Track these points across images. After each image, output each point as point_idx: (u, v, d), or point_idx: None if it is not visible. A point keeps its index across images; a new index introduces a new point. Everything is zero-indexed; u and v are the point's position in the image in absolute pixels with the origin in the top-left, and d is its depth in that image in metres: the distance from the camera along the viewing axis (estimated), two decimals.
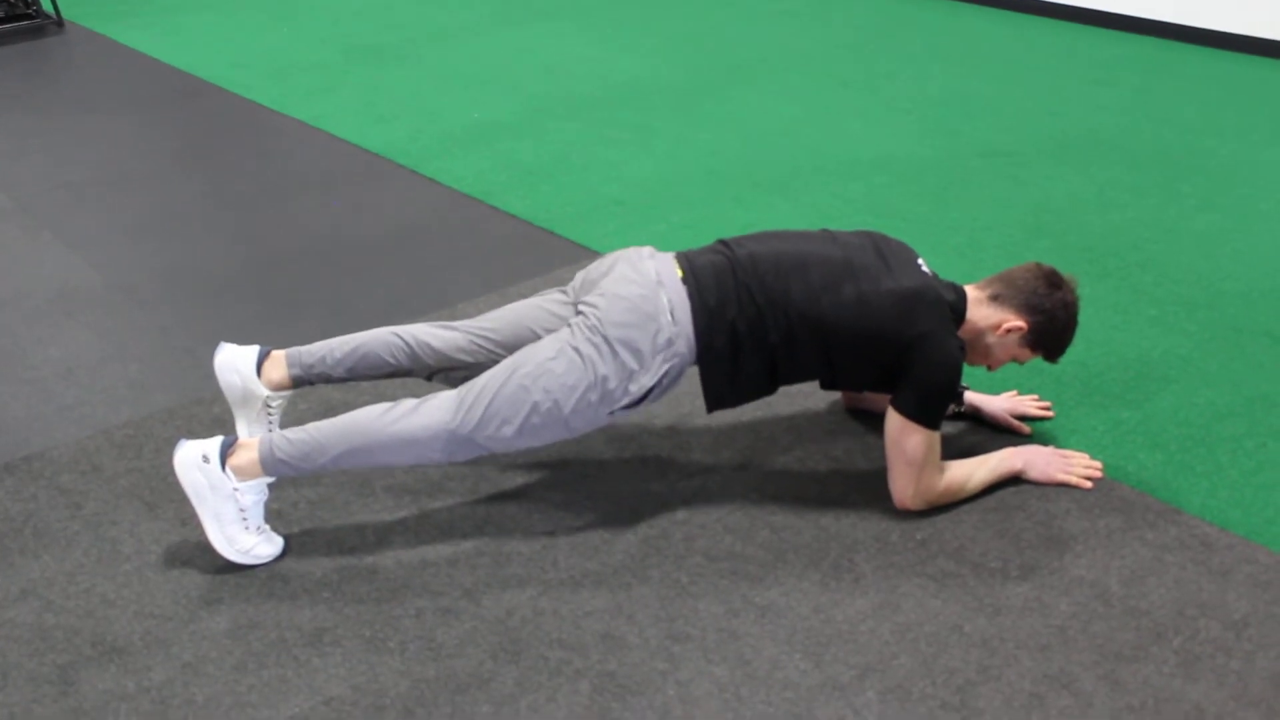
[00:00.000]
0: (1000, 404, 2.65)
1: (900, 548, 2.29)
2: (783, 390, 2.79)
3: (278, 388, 2.48)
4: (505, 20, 6.38)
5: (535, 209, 3.92)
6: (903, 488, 2.33)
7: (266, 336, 3.16)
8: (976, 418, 2.67)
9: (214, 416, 2.78)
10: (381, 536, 2.38)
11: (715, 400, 2.36)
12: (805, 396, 2.79)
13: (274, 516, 2.42)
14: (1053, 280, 2.39)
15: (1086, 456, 2.50)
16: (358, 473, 2.56)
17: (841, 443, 2.63)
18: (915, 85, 5.03)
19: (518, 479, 2.53)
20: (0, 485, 2.58)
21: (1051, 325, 2.38)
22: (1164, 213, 3.70)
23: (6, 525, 2.45)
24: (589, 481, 2.52)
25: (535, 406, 2.20)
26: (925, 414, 2.26)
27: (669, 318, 2.23)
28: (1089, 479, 2.45)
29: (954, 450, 2.53)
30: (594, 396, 2.22)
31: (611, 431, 2.68)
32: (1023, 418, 2.65)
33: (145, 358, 3.10)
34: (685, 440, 2.65)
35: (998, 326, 2.37)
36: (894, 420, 2.29)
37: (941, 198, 3.88)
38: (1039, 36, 5.72)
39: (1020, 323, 2.36)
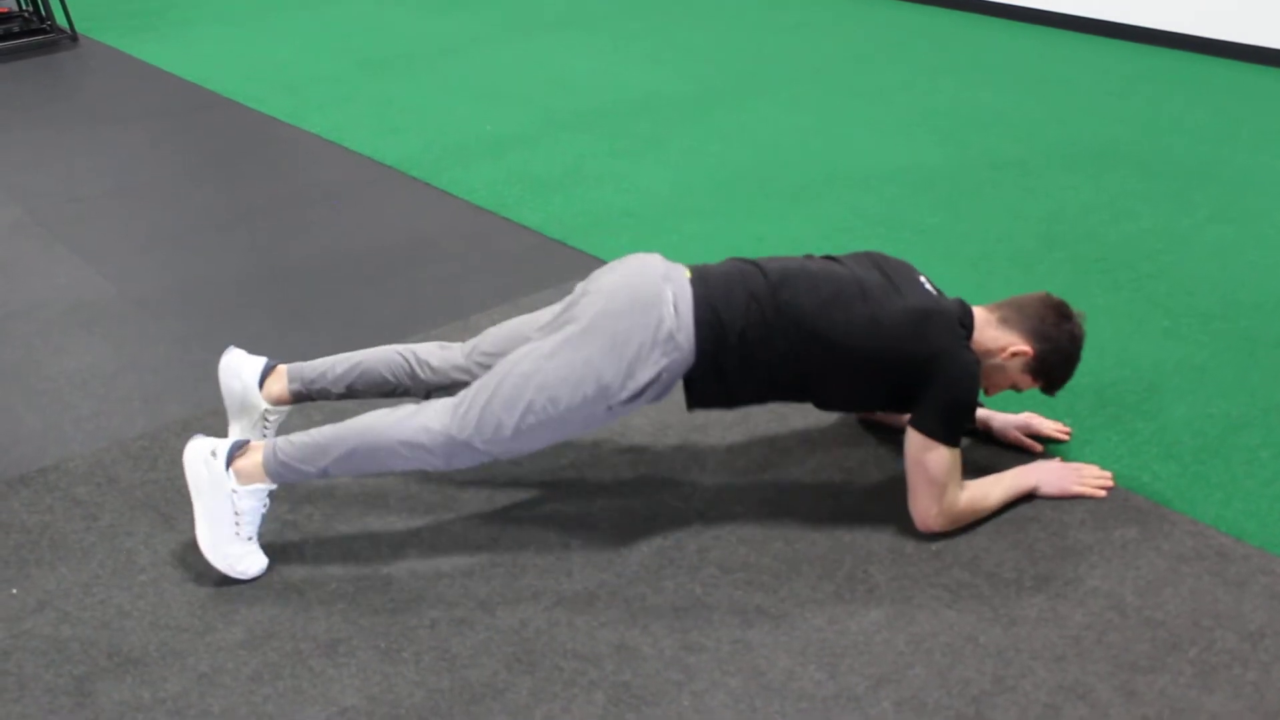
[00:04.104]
0: (1010, 420, 2.62)
1: (915, 558, 2.29)
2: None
3: (277, 402, 2.50)
4: (517, 32, 6.40)
5: (548, 220, 3.93)
6: (926, 508, 2.30)
7: (280, 347, 3.17)
8: (986, 435, 2.65)
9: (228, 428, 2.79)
10: (396, 548, 2.38)
11: (700, 400, 2.32)
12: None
13: (288, 527, 2.43)
14: (1063, 311, 2.38)
15: (1097, 468, 2.50)
16: (361, 477, 2.57)
17: (855, 453, 2.63)
18: (926, 96, 5.04)
19: (532, 490, 2.54)
20: (16, 497, 2.59)
21: (1056, 355, 2.37)
22: (1177, 223, 3.70)
23: (23, 537, 2.46)
24: (603, 493, 2.52)
25: (530, 405, 2.17)
26: (947, 431, 2.25)
27: (671, 310, 2.20)
28: (1102, 489, 2.45)
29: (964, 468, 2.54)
30: (589, 390, 2.18)
31: (624, 442, 2.68)
32: (1035, 437, 2.62)
33: (160, 369, 3.11)
34: (699, 452, 2.65)
35: (1004, 349, 2.35)
36: (915, 439, 2.27)
37: (954, 209, 3.88)
38: (1049, 47, 5.72)
39: (1027, 348, 2.34)
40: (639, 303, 2.20)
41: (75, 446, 2.77)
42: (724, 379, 2.28)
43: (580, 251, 3.68)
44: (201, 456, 2.23)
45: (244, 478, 2.23)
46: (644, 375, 2.19)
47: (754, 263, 2.34)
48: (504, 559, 2.34)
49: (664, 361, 2.20)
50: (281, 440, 2.26)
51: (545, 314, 2.42)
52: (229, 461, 2.22)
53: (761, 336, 2.24)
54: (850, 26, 6.25)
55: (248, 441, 2.27)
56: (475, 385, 2.23)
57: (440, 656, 2.10)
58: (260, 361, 2.51)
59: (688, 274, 2.28)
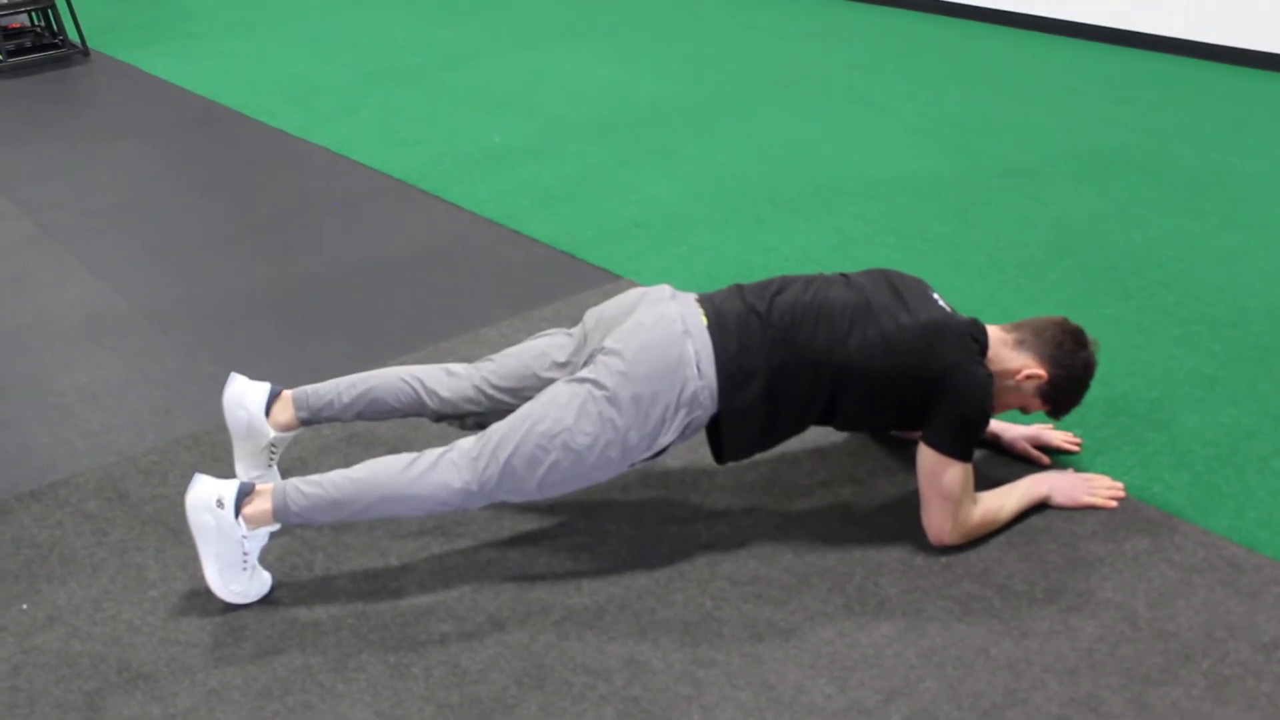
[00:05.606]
0: (1019, 431, 2.62)
1: (925, 571, 2.28)
2: None
3: (284, 429, 2.49)
4: (524, 43, 6.41)
5: (556, 232, 3.93)
6: (940, 523, 2.30)
7: (289, 360, 3.18)
8: (995, 446, 2.64)
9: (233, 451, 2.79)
10: (405, 562, 2.38)
11: (734, 454, 2.34)
12: None
13: (297, 541, 2.43)
14: (1079, 339, 2.38)
15: (1108, 479, 2.49)
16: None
17: (865, 465, 2.62)
18: (933, 105, 5.03)
19: (540, 504, 2.53)
20: (27, 512, 2.60)
21: (1069, 382, 2.37)
22: (1186, 231, 3.69)
23: (33, 552, 2.47)
24: (613, 506, 2.52)
25: (554, 465, 2.17)
26: (959, 447, 2.24)
27: (695, 370, 2.19)
28: (1113, 499, 2.44)
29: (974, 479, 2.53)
30: (614, 453, 2.19)
31: None
32: (1045, 448, 2.62)
33: (170, 383, 3.12)
34: (707, 464, 2.64)
35: (1018, 371, 2.35)
36: (928, 456, 2.26)
37: (963, 218, 3.88)
38: (1056, 55, 5.71)
39: (1041, 372, 2.34)
40: (664, 367, 2.18)
41: (85, 461, 2.78)
42: (755, 429, 2.29)
43: (589, 264, 3.68)
44: (207, 505, 2.18)
45: (253, 523, 2.21)
46: (668, 436, 2.21)
47: (765, 297, 2.31)
48: (513, 573, 2.33)
49: (688, 419, 2.21)
50: (293, 490, 2.21)
51: (555, 346, 2.39)
52: (237, 509, 2.19)
53: (786, 381, 2.24)
54: (857, 35, 6.25)
55: (253, 486, 2.23)
56: (492, 436, 2.21)
57: (450, 671, 2.10)
58: (264, 388, 2.50)
59: (704, 320, 2.25)
